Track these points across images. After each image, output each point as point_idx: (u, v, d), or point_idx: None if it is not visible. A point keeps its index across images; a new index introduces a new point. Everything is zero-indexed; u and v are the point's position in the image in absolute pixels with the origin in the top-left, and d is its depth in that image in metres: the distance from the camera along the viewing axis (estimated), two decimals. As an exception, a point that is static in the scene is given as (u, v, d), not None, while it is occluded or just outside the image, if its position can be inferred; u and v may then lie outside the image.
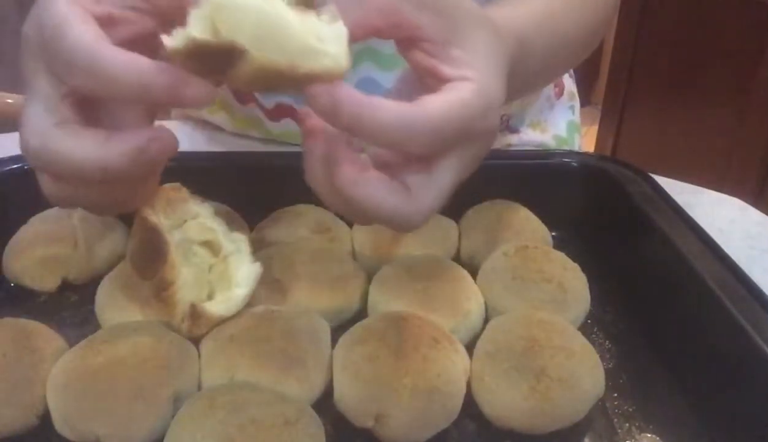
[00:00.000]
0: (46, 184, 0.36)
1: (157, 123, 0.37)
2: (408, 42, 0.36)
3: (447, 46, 0.35)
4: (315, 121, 0.34)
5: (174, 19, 0.33)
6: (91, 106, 0.35)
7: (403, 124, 0.31)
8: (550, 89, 0.79)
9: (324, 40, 0.31)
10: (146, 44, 0.35)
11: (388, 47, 0.66)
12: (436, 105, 0.33)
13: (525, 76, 0.46)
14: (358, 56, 0.66)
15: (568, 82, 0.83)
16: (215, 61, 0.30)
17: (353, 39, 0.33)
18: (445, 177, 0.35)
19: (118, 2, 0.35)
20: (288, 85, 0.32)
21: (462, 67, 0.35)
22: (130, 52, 0.31)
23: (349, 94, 0.31)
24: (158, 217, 0.42)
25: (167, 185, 0.44)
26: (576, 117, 0.84)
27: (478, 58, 0.35)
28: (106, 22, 0.34)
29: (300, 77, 0.31)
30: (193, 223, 0.44)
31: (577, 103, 0.84)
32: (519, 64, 0.41)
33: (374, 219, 0.34)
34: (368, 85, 0.67)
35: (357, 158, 0.33)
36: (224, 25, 0.29)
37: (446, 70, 0.35)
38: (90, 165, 0.33)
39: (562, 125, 0.81)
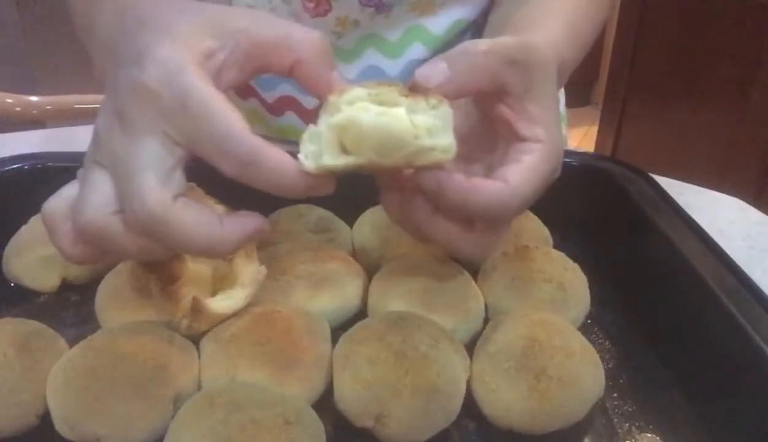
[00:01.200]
0: (76, 248, 0.36)
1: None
2: (493, 96, 0.39)
3: (524, 101, 0.39)
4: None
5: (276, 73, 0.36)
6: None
7: (497, 203, 0.37)
8: None
9: (433, 133, 0.34)
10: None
11: (393, 34, 0.66)
12: (518, 179, 0.37)
13: (564, 76, 0.50)
14: (362, 43, 0.67)
15: None
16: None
17: (459, 98, 0.37)
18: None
19: (229, 56, 0.35)
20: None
21: (536, 126, 0.38)
22: (282, 153, 0.33)
23: (453, 182, 0.36)
24: None
25: None
26: (561, 108, 0.85)
27: (548, 114, 0.39)
28: (214, 76, 0.34)
29: (414, 167, 0.35)
30: None
31: (562, 95, 0.85)
32: (560, 80, 0.45)
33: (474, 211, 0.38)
34: (373, 73, 0.67)
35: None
36: (349, 141, 0.33)
37: (522, 128, 0.38)
38: (199, 244, 0.34)
39: None
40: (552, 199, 0.59)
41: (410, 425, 0.38)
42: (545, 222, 0.57)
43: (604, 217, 0.58)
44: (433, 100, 0.34)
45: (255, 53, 0.35)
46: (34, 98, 1.03)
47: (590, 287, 0.50)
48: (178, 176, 0.34)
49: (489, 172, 0.40)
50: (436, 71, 0.36)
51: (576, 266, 0.50)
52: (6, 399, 0.38)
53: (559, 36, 0.50)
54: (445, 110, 0.34)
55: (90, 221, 0.34)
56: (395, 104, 0.34)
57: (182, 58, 0.33)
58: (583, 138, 2.75)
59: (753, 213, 0.65)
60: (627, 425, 0.42)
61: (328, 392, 0.41)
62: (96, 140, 0.35)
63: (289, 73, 0.36)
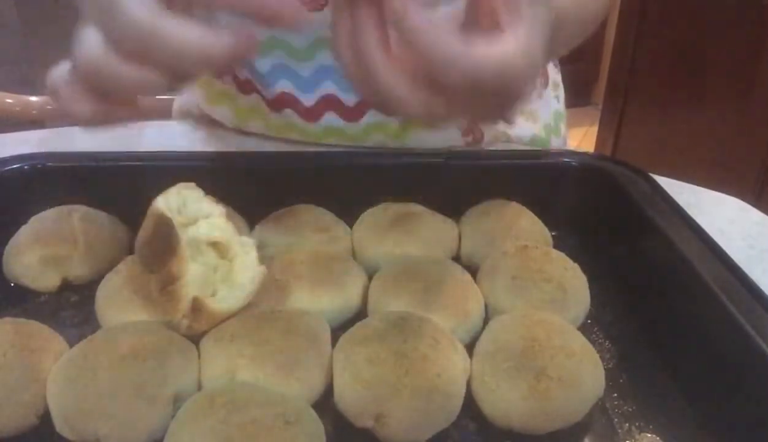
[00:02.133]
0: (81, 104, 0.37)
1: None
2: None
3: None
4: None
5: None
6: None
7: (498, 64, 0.32)
8: (537, 79, 0.80)
9: None
10: None
11: (299, 41, 0.66)
12: (519, 33, 0.33)
13: (557, 42, 0.46)
14: (267, 44, 0.67)
15: (552, 72, 0.84)
16: None
17: None
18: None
19: None
20: None
21: (518, 23, 0.34)
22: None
23: (440, 26, 0.32)
24: (171, 213, 0.42)
25: (182, 184, 0.44)
26: (561, 106, 0.85)
27: (534, 18, 0.35)
28: None
29: None
30: (204, 222, 0.45)
31: (561, 92, 0.85)
32: (554, 30, 0.41)
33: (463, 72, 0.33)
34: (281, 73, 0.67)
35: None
36: None
37: (506, 18, 0.34)
38: (192, 48, 0.33)
39: (548, 115, 0.82)
40: (552, 199, 0.60)
41: (410, 425, 0.38)
42: (545, 222, 0.57)
43: (604, 217, 0.58)
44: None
45: None
46: (34, 98, 1.03)
47: (590, 287, 0.50)
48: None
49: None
50: None
51: (576, 266, 0.50)
52: (6, 399, 0.38)
53: None
54: None
55: (85, 61, 0.35)
56: None
57: None
58: (583, 138, 2.75)
59: (753, 213, 0.65)
60: (627, 425, 0.42)
61: (328, 392, 0.41)
62: (81, 6, 0.36)
63: None
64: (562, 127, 0.84)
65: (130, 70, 0.35)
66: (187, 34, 0.33)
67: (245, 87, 0.73)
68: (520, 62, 0.34)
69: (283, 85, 0.69)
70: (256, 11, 0.34)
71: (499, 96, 0.35)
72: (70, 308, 0.51)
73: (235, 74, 0.75)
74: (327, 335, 0.44)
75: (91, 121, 0.38)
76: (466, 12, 0.37)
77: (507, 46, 0.34)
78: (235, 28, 0.34)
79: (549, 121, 0.81)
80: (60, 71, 0.37)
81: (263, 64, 0.67)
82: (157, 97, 1.00)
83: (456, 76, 0.33)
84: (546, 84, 0.82)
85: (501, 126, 0.76)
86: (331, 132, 0.70)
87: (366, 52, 0.34)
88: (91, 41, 0.35)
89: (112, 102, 0.37)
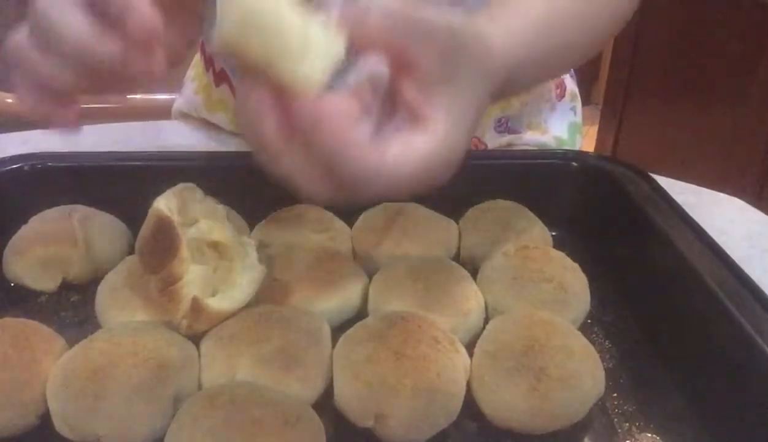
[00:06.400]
0: (20, 89, 0.37)
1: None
2: (401, 67, 0.34)
3: (435, 85, 0.34)
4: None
5: None
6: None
7: (367, 174, 0.31)
8: (550, 91, 0.79)
9: (311, 50, 0.30)
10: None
11: None
12: (401, 159, 0.32)
13: (517, 88, 0.45)
14: None
15: (570, 83, 0.83)
16: None
17: (352, 48, 0.32)
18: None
19: None
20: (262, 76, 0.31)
21: (440, 113, 0.34)
22: None
23: (329, 123, 0.30)
24: (172, 213, 0.42)
25: (182, 184, 0.44)
26: (578, 118, 0.83)
27: (458, 106, 0.35)
28: None
29: (269, 73, 0.30)
30: (204, 223, 0.45)
31: (578, 103, 0.84)
32: (508, 84, 0.41)
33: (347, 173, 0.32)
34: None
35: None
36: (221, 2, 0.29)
37: (425, 109, 0.34)
38: (75, 40, 0.33)
39: (563, 127, 0.81)
40: (552, 199, 0.60)
41: (410, 425, 0.38)
42: (545, 222, 0.57)
43: (604, 217, 0.58)
44: (332, 32, 0.31)
45: None
46: (34, 98, 1.03)
47: (590, 287, 0.50)
48: None
49: (384, 133, 0.34)
50: (351, 11, 0.32)
51: (576, 266, 0.50)
52: (6, 399, 0.38)
53: (529, 29, 0.43)
54: (335, 46, 0.31)
55: (12, 46, 0.36)
56: (302, 3, 0.30)
57: None
58: (583, 138, 2.74)
59: (753, 213, 0.65)
60: (627, 425, 0.42)
61: (328, 392, 0.41)
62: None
63: None
64: (578, 139, 0.83)
65: (42, 57, 0.35)
66: (79, 31, 0.33)
67: (219, 79, 0.73)
68: (439, 160, 0.34)
69: None
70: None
71: (418, 188, 0.34)
72: (70, 308, 0.51)
73: (230, 82, 0.75)
74: (327, 335, 0.44)
75: (31, 114, 0.37)
76: (383, 101, 0.35)
77: (424, 146, 0.33)
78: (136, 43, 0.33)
79: (562, 134, 0.80)
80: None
81: None
82: (154, 96, 1.00)
83: (374, 192, 0.32)
84: (562, 95, 0.81)
85: (506, 137, 0.76)
86: None
87: (264, 140, 0.32)
88: (23, 30, 0.36)
89: (49, 98, 0.37)
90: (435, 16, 0.34)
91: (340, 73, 0.32)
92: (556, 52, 0.49)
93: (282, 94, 0.30)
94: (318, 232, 0.54)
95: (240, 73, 0.32)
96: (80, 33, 0.33)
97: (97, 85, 0.36)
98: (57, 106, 0.37)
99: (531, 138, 0.77)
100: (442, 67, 0.34)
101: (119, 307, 0.46)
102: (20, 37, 0.36)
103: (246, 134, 0.33)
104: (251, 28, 0.29)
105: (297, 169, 0.32)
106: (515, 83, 0.42)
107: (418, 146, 0.33)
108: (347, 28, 0.32)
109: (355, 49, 0.33)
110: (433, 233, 0.55)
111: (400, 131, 0.34)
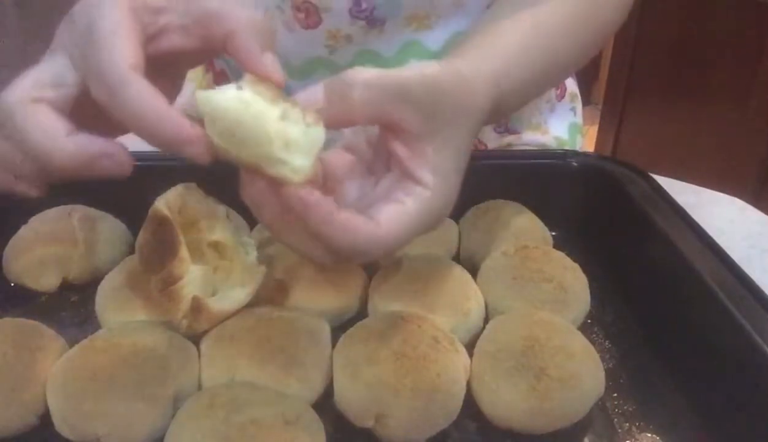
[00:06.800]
0: None
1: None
2: (388, 130, 0.36)
3: (423, 140, 0.36)
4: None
5: (215, 48, 0.36)
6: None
7: (363, 246, 0.34)
8: (551, 91, 0.79)
9: (291, 149, 0.32)
10: (175, 60, 0.37)
11: (388, 50, 0.66)
12: (391, 225, 0.35)
13: (506, 113, 0.47)
14: (357, 59, 0.66)
15: (570, 84, 0.83)
16: None
17: (332, 128, 0.34)
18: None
19: (175, 19, 0.36)
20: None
21: (428, 171, 0.36)
22: (153, 92, 0.32)
23: (319, 212, 0.33)
24: (172, 213, 0.42)
25: (182, 184, 0.44)
26: (578, 118, 0.83)
27: (447, 161, 0.37)
28: (154, 34, 0.35)
29: (261, 173, 0.33)
30: (205, 223, 0.45)
31: (579, 104, 0.84)
32: (496, 113, 0.42)
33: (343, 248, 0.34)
34: None
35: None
36: (206, 115, 0.32)
37: (415, 169, 0.36)
38: (38, 151, 0.33)
39: (563, 127, 0.81)
40: (552, 199, 0.60)
41: (410, 425, 0.38)
42: (545, 222, 0.57)
43: (604, 217, 0.58)
44: (309, 118, 0.33)
45: (199, 19, 0.36)
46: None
47: (590, 287, 0.50)
48: (64, 94, 0.34)
49: (378, 196, 0.37)
50: (308, 96, 0.34)
51: (576, 266, 0.50)
52: (6, 399, 0.38)
53: (508, 60, 0.45)
54: (315, 133, 0.33)
55: (5, 94, 0.35)
56: (273, 103, 0.32)
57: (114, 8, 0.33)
58: (583, 138, 2.74)
59: (753, 213, 0.65)
60: (627, 425, 0.42)
61: (328, 392, 0.41)
62: None
63: (223, 45, 0.35)
64: (579, 139, 0.83)
65: (2, 145, 0.34)
66: (36, 130, 0.33)
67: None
68: (430, 217, 0.36)
69: None
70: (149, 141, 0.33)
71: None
72: (70, 308, 0.51)
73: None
74: (327, 335, 0.44)
75: None
76: (376, 155, 0.39)
77: (413, 208, 0.35)
78: (94, 139, 0.33)
79: (563, 134, 0.80)
80: None
81: None
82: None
83: (372, 258, 0.36)
84: (562, 96, 0.81)
85: (506, 138, 0.76)
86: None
87: (266, 223, 0.37)
88: None
89: (13, 178, 0.37)
90: (412, 72, 0.36)
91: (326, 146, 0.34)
92: (540, 74, 0.50)
93: (275, 182, 0.33)
94: (318, 232, 0.54)
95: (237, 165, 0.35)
96: (47, 142, 0.33)
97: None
98: (22, 184, 0.38)
99: (531, 138, 0.77)
100: (424, 123, 0.36)
101: (119, 307, 0.46)
102: None
103: (253, 214, 0.37)
104: (234, 139, 0.32)
105: (299, 244, 0.36)
106: (502, 111, 0.44)
107: (408, 209, 0.35)
108: (331, 107, 0.34)
109: (339, 128, 0.36)
110: (432, 233, 0.54)
111: (393, 190, 0.36)
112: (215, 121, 0.32)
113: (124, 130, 0.37)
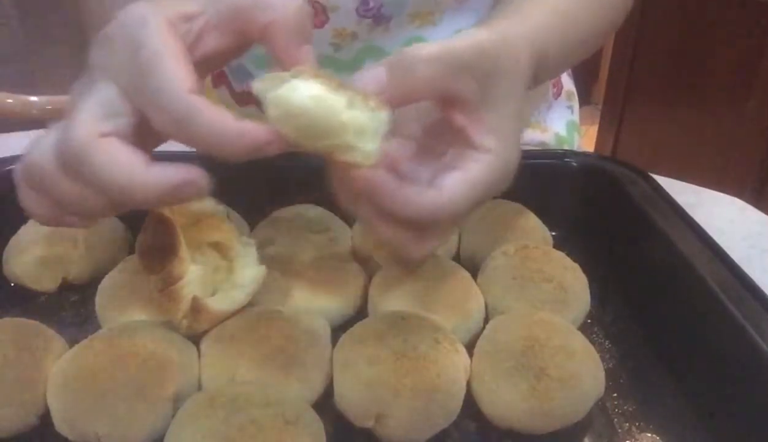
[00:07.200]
0: (30, 202, 0.37)
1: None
2: (447, 102, 0.37)
3: (480, 108, 0.37)
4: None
5: (250, 43, 0.36)
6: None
7: (428, 213, 0.35)
8: (548, 90, 0.79)
9: (360, 135, 0.33)
10: (212, 60, 0.36)
11: (393, 46, 0.66)
12: (455, 189, 0.36)
13: (540, 81, 0.47)
14: (361, 55, 0.66)
15: (567, 82, 0.83)
16: None
17: (396, 106, 0.35)
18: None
19: (209, 21, 0.35)
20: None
21: (489, 135, 0.37)
22: (221, 113, 0.31)
23: (383, 186, 0.34)
24: (172, 213, 0.42)
25: None
26: (575, 117, 0.83)
27: (504, 122, 0.38)
28: (192, 42, 0.35)
29: (335, 160, 0.34)
30: (205, 223, 0.45)
31: (575, 103, 0.84)
32: (534, 80, 0.43)
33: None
34: None
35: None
36: (277, 114, 0.32)
37: (475, 135, 0.37)
38: (116, 184, 0.32)
39: (561, 125, 0.81)
40: (552, 199, 0.60)
41: (410, 425, 0.38)
42: (545, 222, 0.57)
43: (604, 217, 0.58)
44: (372, 103, 0.33)
45: (234, 15, 0.35)
46: (34, 98, 1.03)
47: (590, 287, 0.50)
48: (124, 123, 0.33)
49: (442, 168, 0.38)
50: (371, 79, 0.34)
51: (576, 266, 0.50)
52: (6, 399, 0.38)
53: (543, 25, 0.46)
54: (381, 117, 0.33)
55: (31, 161, 0.34)
56: (337, 92, 0.33)
57: (150, 13, 0.33)
58: (583, 138, 2.74)
59: (753, 213, 0.65)
60: (627, 425, 0.42)
61: (328, 392, 0.41)
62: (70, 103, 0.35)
63: (261, 37, 0.35)
64: (576, 137, 0.83)
65: (70, 184, 0.34)
66: (114, 168, 0.32)
67: (243, 100, 0.73)
68: (494, 179, 0.37)
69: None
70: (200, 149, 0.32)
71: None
72: (70, 308, 0.51)
73: (229, 84, 0.75)
74: (327, 335, 0.44)
75: (46, 223, 0.38)
76: (438, 131, 0.40)
77: (478, 172, 0.36)
78: (173, 168, 0.32)
79: (561, 132, 0.80)
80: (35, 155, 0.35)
81: None
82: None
83: (443, 225, 0.38)
84: (558, 94, 0.81)
85: None
86: None
87: (343, 205, 0.39)
88: (44, 144, 0.34)
89: (68, 216, 0.36)
90: (466, 42, 0.36)
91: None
92: (570, 44, 0.51)
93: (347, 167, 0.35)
94: (318, 232, 0.54)
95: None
96: (111, 169, 0.32)
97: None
98: (75, 221, 0.37)
99: (531, 137, 0.77)
100: (480, 90, 0.37)
101: (119, 307, 0.46)
102: (43, 158, 0.34)
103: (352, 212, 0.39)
104: (308, 131, 0.33)
105: (372, 218, 0.37)
106: (539, 78, 0.45)
107: (470, 174, 0.36)
108: (395, 86, 0.35)
109: (402, 106, 0.36)
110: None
111: (455, 160, 0.37)
112: (288, 119, 0.32)
113: (166, 139, 0.37)
